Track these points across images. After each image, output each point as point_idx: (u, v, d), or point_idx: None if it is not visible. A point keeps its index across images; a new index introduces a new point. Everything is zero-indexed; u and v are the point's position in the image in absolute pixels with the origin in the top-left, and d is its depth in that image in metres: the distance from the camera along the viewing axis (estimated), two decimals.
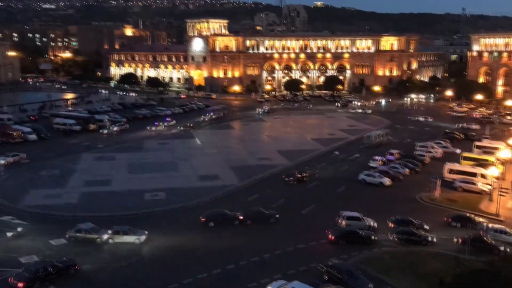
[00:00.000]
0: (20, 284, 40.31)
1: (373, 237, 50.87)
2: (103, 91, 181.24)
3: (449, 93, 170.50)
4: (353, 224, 53.32)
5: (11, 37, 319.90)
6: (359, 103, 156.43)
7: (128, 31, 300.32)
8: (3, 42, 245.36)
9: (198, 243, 50.11)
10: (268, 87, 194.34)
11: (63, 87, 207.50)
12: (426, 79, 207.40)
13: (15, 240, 50.48)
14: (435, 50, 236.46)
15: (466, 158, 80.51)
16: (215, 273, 43.65)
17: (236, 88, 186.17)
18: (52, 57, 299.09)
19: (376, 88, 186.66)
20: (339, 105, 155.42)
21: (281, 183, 71.18)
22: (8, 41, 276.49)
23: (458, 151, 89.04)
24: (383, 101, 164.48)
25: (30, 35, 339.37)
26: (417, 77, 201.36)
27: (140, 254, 47.69)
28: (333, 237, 50.35)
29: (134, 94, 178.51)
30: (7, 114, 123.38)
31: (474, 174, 70.87)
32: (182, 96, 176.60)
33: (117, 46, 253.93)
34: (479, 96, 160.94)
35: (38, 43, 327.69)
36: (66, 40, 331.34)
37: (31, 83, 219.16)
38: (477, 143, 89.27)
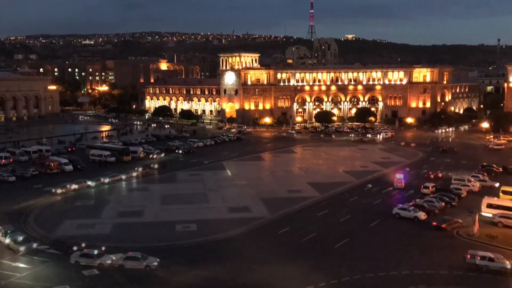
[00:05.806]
0: None
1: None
2: (138, 123, 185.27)
3: (485, 125, 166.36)
4: None
5: (52, 72, 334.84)
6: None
7: (163, 65, 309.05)
8: (45, 77, 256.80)
9: (226, 276, 49.59)
10: (299, 119, 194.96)
11: (99, 118, 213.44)
12: (461, 111, 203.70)
13: (49, 269, 51.23)
14: (469, 82, 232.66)
15: (505, 192, 77.49)
16: None
17: (267, 120, 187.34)
18: (90, 91, 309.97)
19: (409, 120, 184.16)
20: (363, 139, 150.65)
21: (313, 216, 70.10)
22: (49, 76, 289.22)
23: (496, 184, 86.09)
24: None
25: (70, 69, 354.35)
26: (451, 108, 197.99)
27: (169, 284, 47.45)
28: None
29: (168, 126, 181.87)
30: (45, 145, 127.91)
31: None
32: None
33: (152, 80, 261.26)
34: None
35: (77, 77, 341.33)
36: (103, 74, 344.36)
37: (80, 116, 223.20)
38: None
